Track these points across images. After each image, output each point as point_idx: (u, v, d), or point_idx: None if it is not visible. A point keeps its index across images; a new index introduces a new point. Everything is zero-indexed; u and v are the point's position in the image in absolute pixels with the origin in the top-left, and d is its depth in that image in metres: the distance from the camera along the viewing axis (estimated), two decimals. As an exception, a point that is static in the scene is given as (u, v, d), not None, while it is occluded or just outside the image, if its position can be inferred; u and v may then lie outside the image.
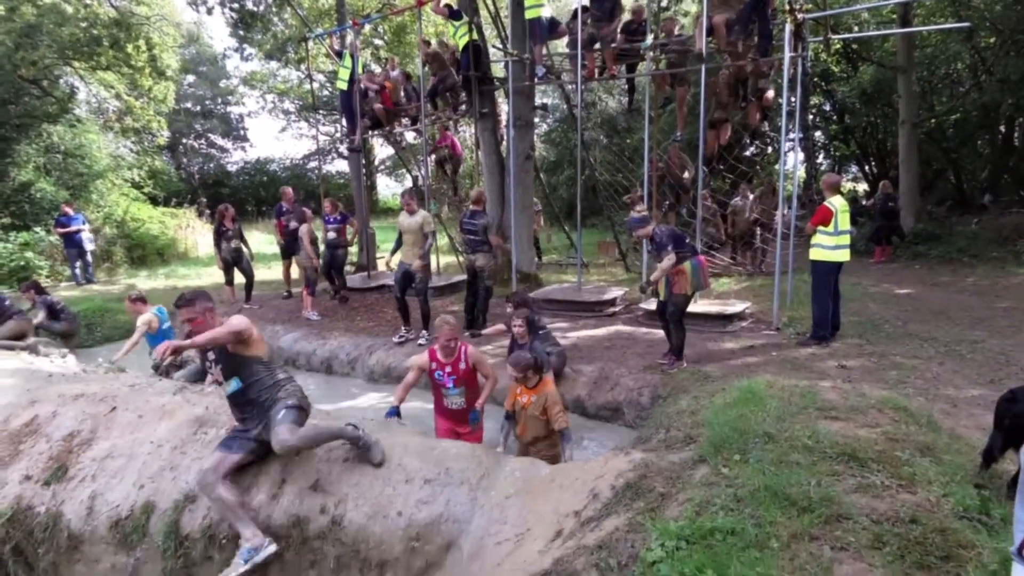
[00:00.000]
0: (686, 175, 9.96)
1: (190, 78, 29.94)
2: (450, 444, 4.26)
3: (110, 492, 4.09)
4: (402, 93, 11.61)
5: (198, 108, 31.08)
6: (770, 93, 8.66)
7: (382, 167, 31.32)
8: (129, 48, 14.11)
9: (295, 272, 10.53)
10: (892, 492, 2.83)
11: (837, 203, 6.40)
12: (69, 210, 13.04)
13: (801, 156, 9.75)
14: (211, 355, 3.89)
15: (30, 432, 4.60)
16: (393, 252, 7.92)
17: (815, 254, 6.51)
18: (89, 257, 13.21)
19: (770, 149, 13.60)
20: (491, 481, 3.82)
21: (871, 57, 16.49)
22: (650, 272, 6.28)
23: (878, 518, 2.63)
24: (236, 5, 16.50)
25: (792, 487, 2.87)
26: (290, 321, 9.16)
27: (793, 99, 8.35)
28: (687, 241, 5.97)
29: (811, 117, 10.09)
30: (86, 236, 13.11)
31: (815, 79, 15.33)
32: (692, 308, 7.63)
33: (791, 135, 8.34)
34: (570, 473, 3.75)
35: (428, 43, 10.73)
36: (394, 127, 12.00)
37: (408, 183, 17.34)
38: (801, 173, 10.75)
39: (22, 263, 12.81)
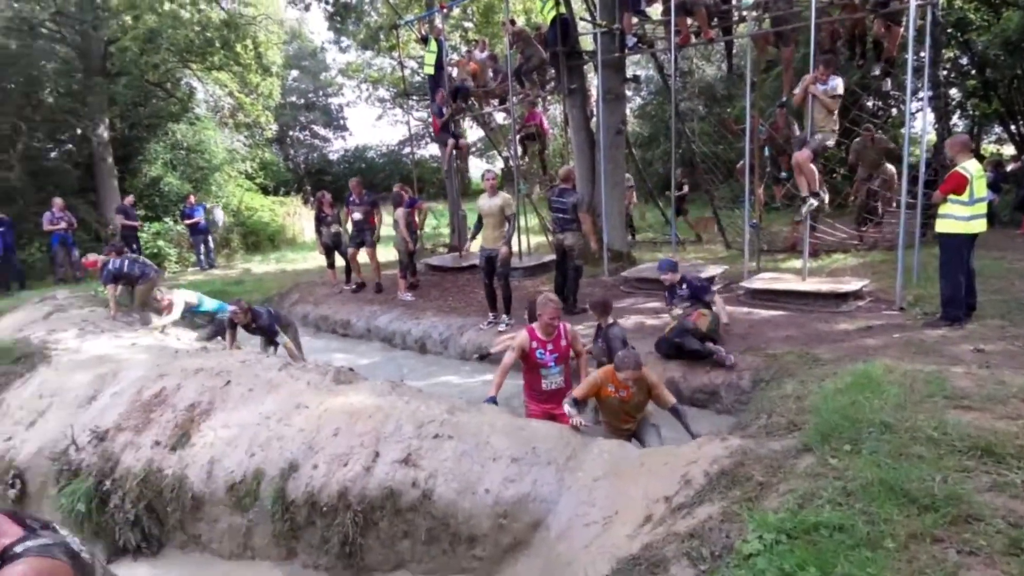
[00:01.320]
0: (792, 140, 9.31)
1: (294, 73, 31.37)
2: (538, 424, 4.23)
3: (226, 459, 4.39)
4: (489, 74, 11.59)
5: (302, 101, 32.56)
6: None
7: (473, 149, 31.60)
8: (238, 47, 14.97)
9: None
10: (1033, 492, 2.49)
11: (972, 168, 5.68)
12: (193, 200, 14.13)
13: (931, 117, 8.80)
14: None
15: (159, 402, 5.03)
16: (473, 236, 7.83)
17: (945, 226, 5.82)
18: (214, 226, 14.33)
19: (895, 111, 12.47)
20: (578, 462, 3.75)
21: (1017, 1, 14.64)
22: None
23: (1016, 521, 2.31)
24: (331, -2, 17.08)
25: (912, 482, 2.58)
26: (386, 302, 9.44)
27: (922, 53, 7.54)
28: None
29: (944, 73, 9.06)
30: (219, 214, 14.24)
31: (948, 29, 13.82)
32: (801, 287, 7.19)
33: (919, 94, 7.54)
34: (660, 457, 3.60)
35: (513, 22, 10.62)
36: (483, 107, 12.02)
37: (499, 164, 17.37)
38: (931, 136, 9.73)
39: (155, 251, 14.00)
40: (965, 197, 5.66)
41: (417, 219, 10.40)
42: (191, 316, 8.15)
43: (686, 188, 12.99)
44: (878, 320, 6.33)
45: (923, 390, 3.58)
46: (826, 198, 7.55)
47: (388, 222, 10.88)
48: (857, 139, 9.60)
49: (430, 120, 13.25)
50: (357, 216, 9.81)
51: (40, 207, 12.76)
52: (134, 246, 13.44)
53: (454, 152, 11.77)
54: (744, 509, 2.72)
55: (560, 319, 4.74)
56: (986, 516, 2.35)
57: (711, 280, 8.26)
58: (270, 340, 6.92)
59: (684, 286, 5.89)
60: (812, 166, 7.04)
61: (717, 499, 2.93)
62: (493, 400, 4.60)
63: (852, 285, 7.11)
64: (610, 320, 5.44)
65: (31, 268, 12.90)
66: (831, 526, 2.41)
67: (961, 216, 5.72)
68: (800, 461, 3.05)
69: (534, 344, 4.69)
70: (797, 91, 7.04)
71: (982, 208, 5.77)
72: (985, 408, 3.29)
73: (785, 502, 2.67)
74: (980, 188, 5.71)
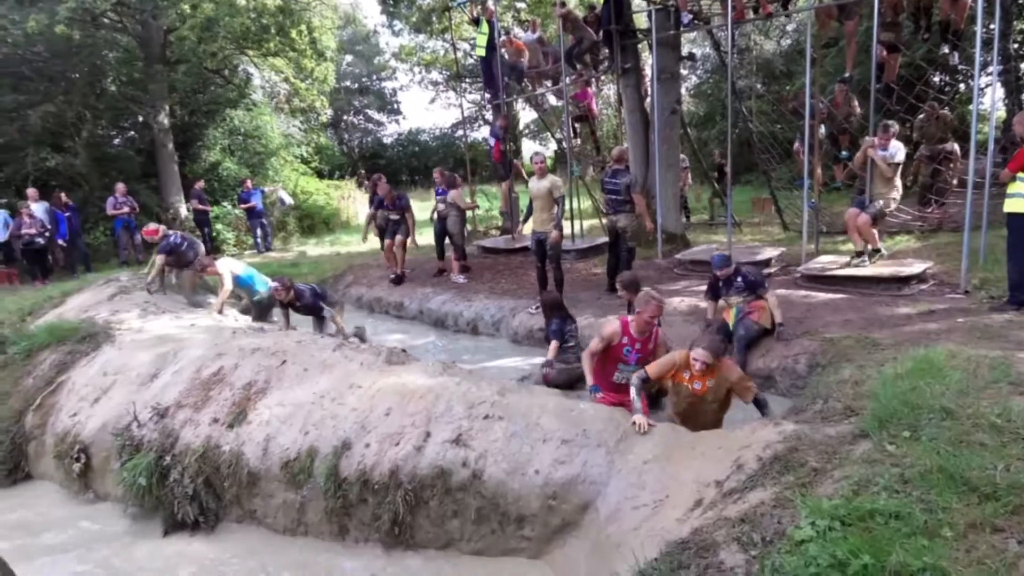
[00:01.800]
0: (852, 118, 8.96)
1: (348, 58, 31.81)
2: (587, 406, 4.24)
3: (281, 436, 4.52)
4: (540, 56, 11.49)
5: (355, 86, 33.02)
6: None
7: (526, 131, 31.48)
8: (293, 33, 15.23)
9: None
10: (1104, 483, 2.37)
11: None
12: (250, 184, 14.54)
13: (1001, 92, 8.31)
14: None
15: (217, 380, 5.21)
16: (525, 220, 7.81)
17: (1013, 205, 5.56)
18: (284, 204, 14.76)
19: (962, 86, 11.84)
20: (629, 445, 3.75)
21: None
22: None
23: (1082, 511, 2.22)
24: (384, -20, 17.21)
25: (973, 470, 2.50)
26: (439, 284, 9.56)
27: (991, 25, 7.12)
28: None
29: (1015, 46, 8.52)
30: (285, 195, 14.68)
31: (1019, 0, 12.99)
32: (861, 271, 6.95)
33: (989, 68, 7.14)
34: (713, 441, 3.57)
35: (563, 3, 10.48)
36: (535, 89, 11.95)
37: (552, 147, 17.29)
38: (1001, 112, 9.20)
39: (214, 234, 14.50)
40: None
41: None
42: (238, 289, 8.18)
43: (726, 168, 12.64)
44: (941, 304, 6.07)
45: (987, 376, 3.44)
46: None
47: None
48: (921, 115, 9.16)
49: (483, 103, 13.27)
50: (442, 207, 9.81)
51: (104, 192, 13.35)
52: (206, 230, 14.00)
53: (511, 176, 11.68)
54: (797, 495, 2.68)
55: (661, 320, 4.60)
56: (1051, 507, 2.26)
57: (767, 263, 8.08)
58: (318, 318, 7.03)
59: (739, 279, 5.78)
60: (872, 229, 7.02)
61: (769, 484, 2.89)
62: (597, 388, 4.58)
63: (914, 268, 6.83)
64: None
65: (96, 251, 13.55)
66: (887, 514, 2.35)
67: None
68: (856, 447, 2.98)
69: (624, 340, 4.53)
70: (858, 155, 7.07)
71: None
72: (1053, 396, 3.14)
73: (840, 488, 2.62)
74: None
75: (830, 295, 6.77)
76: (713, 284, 5.99)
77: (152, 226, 8.64)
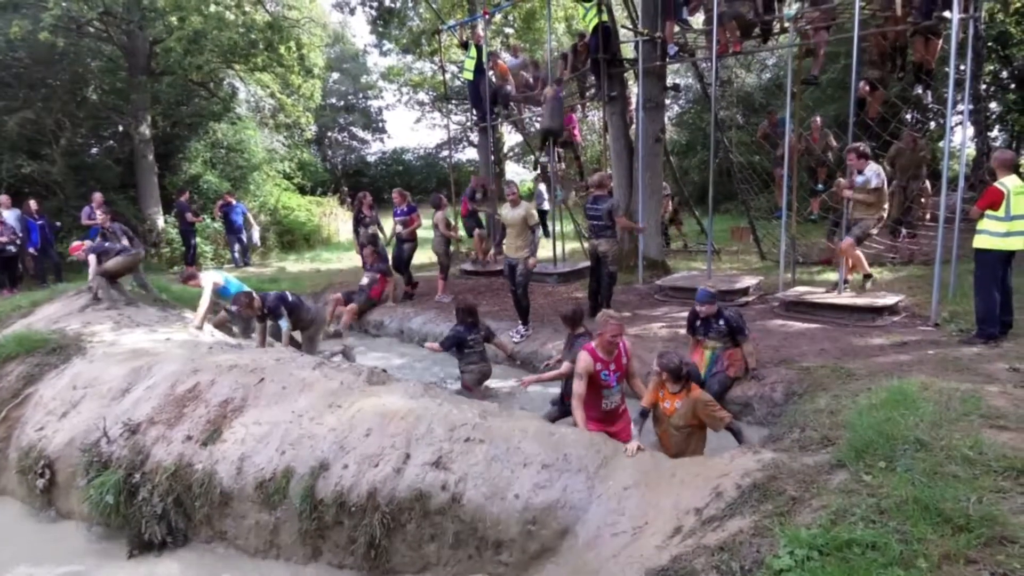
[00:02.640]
0: (829, 152, 9.19)
1: (335, 75, 31.87)
2: (568, 431, 4.24)
3: (257, 455, 4.46)
4: (529, 79, 11.65)
5: (341, 103, 33.07)
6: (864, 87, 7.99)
7: (511, 154, 31.74)
8: (281, 49, 15.24)
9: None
10: (1074, 516, 2.44)
11: (1010, 184, 5.59)
12: (232, 200, 14.38)
13: (971, 131, 8.60)
14: None
15: (192, 397, 5.12)
16: (498, 244, 7.84)
17: (980, 241, 5.74)
18: (250, 241, 14.51)
19: (933, 124, 12.21)
20: (609, 470, 3.75)
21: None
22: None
23: (1053, 545, 2.27)
24: (375, 3, 17.34)
25: (947, 502, 2.55)
26: (420, 303, 9.53)
27: (963, 67, 7.40)
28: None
29: (984, 86, 8.86)
30: (256, 233, 14.49)
31: (989, 43, 13.50)
32: (836, 300, 7.09)
33: (959, 107, 7.40)
34: (692, 468, 3.59)
35: (582, 35, 10.71)
36: (521, 113, 12.09)
37: (534, 173, 17.45)
38: (971, 150, 9.50)
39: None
40: (1001, 213, 5.60)
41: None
42: (219, 300, 8.10)
43: (671, 198, 12.81)
44: (913, 336, 6.22)
45: (959, 408, 3.53)
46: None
47: (427, 224, 11.02)
48: (897, 143, 9.36)
49: (469, 125, 13.38)
50: (399, 228, 9.82)
51: (80, 201, 13.08)
52: (192, 241, 13.82)
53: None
54: (776, 524, 2.70)
55: (622, 336, 4.66)
56: (1021, 539, 2.32)
57: (746, 291, 8.20)
58: (274, 324, 6.80)
59: (721, 321, 5.55)
60: (858, 252, 7.11)
61: (748, 513, 2.92)
62: (645, 411, 4.52)
63: (887, 300, 6.99)
64: (580, 330, 5.54)
65: (68, 261, 13.30)
66: (864, 544, 2.39)
67: (997, 232, 5.65)
68: (834, 477, 3.02)
69: (598, 366, 4.56)
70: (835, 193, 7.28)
71: (1020, 225, 5.62)
72: (1021, 428, 3.24)
73: (818, 518, 2.65)
74: (1018, 205, 5.58)
75: (806, 324, 6.90)
76: (691, 320, 5.72)
77: (76, 243, 8.51)
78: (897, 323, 6.74)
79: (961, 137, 8.20)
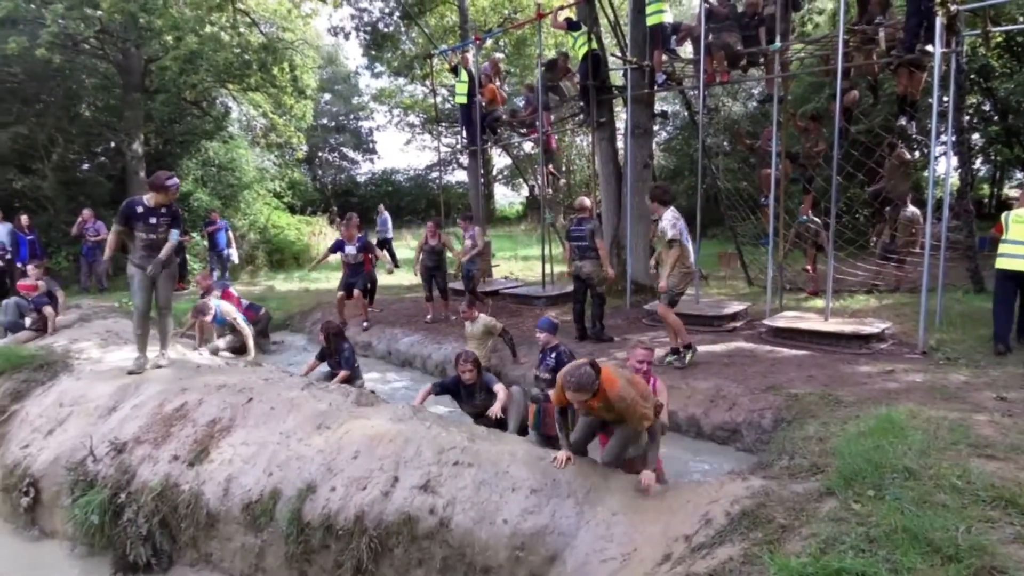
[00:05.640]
0: (819, 150, 9.30)
1: (326, 96, 32.12)
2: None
3: (243, 476, 4.41)
4: (516, 101, 11.79)
5: (332, 124, 33.30)
6: (853, 94, 8.28)
7: (500, 176, 31.98)
8: (275, 70, 15.40)
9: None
10: (1061, 546, 2.46)
11: (1014, 210, 6.36)
12: (216, 217, 14.33)
13: (955, 161, 8.77)
14: None
15: (180, 417, 5.08)
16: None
17: (1000, 263, 6.38)
18: (228, 259, 14.38)
19: (917, 154, 12.45)
20: (598, 496, 3.74)
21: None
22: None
23: (1042, 575, 2.29)
24: (369, 28, 17.57)
25: (936, 531, 2.56)
26: (408, 324, 9.51)
27: (946, 99, 7.57)
28: None
29: (967, 118, 9.07)
30: (233, 251, 14.33)
31: (971, 76, 13.84)
32: (824, 327, 7.15)
33: (943, 137, 7.57)
34: (682, 495, 3.59)
35: (565, 55, 10.77)
36: (510, 136, 12.19)
37: (524, 192, 17.59)
38: (954, 180, 9.69)
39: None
40: (1006, 235, 6.30)
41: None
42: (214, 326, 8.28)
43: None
44: (901, 364, 6.26)
45: (947, 437, 3.56)
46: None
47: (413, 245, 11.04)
48: (889, 163, 9.40)
49: (459, 148, 13.46)
50: (350, 250, 9.37)
51: (71, 217, 13.07)
52: (181, 256, 13.72)
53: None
54: (765, 552, 2.70)
55: (651, 365, 4.48)
56: (1010, 569, 2.33)
57: (735, 316, 8.25)
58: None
59: (554, 355, 5.33)
60: (673, 317, 6.59)
61: (738, 540, 2.92)
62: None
63: (874, 327, 7.06)
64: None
65: (57, 276, 13.16)
66: (854, 573, 2.39)
67: (1001, 253, 6.34)
68: (823, 505, 3.03)
69: None
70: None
71: (1017, 249, 6.19)
72: (1009, 458, 3.27)
73: (807, 546, 2.66)
74: (1016, 231, 6.17)
75: (793, 351, 6.94)
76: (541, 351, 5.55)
77: (29, 281, 8.16)
78: (884, 351, 6.79)
79: (945, 167, 8.37)
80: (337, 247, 9.65)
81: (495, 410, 5.12)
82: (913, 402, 4.70)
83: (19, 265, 11.56)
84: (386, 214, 17.41)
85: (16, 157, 13.79)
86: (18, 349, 6.86)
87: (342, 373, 6.61)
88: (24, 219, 11.89)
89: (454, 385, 5.49)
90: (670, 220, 6.42)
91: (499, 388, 5.27)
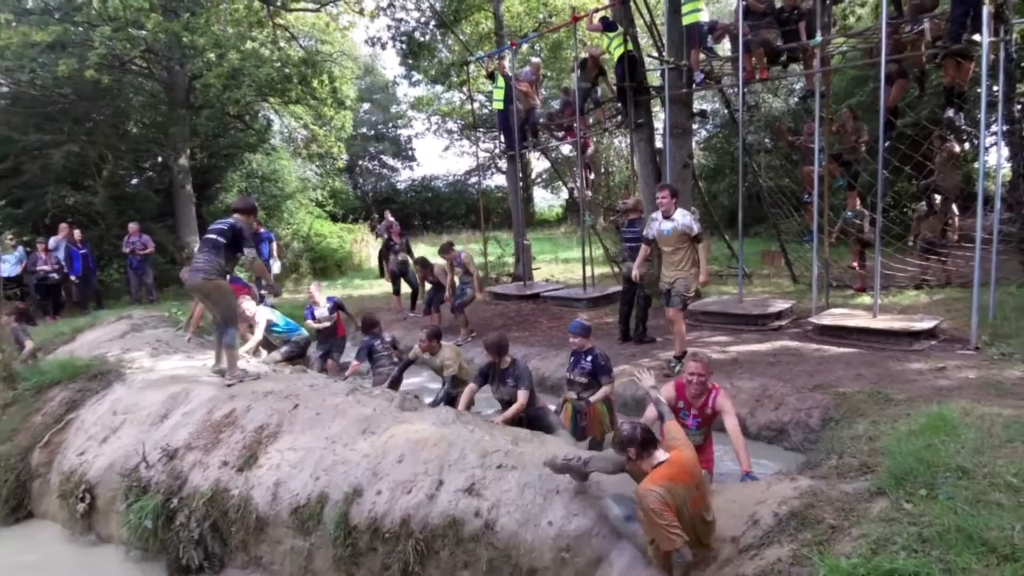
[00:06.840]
0: (862, 142, 9.07)
1: (365, 106, 32.63)
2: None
3: (291, 481, 4.52)
4: (545, 96, 11.81)
5: (372, 132, 33.80)
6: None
7: (539, 180, 31.99)
8: (315, 83, 15.76)
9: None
10: None
11: None
12: (260, 228, 14.69)
13: (1006, 152, 8.46)
14: None
15: (228, 423, 5.21)
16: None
17: None
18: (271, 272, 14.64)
19: (967, 145, 12.03)
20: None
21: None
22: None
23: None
24: (406, 38, 17.84)
25: (991, 531, 2.49)
26: (450, 329, 9.60)
27: (995, 88, 7.32)
28: None
29: (1018, 107, 8.71)
30: (276, 262, 14.59)
31: (1022, 65, 13.33)
32: (872, 324, 6.97)
33: (993, 128, 7.32)
34: (727, 496, 3.55)
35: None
36: (549, 139, 12.22)
37: (563, 194, 17.56)
38: (1006, 171, 9.34)
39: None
40: None
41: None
42: (270, 335, 8.19)
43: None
44: (953, 360, 6.07)
45: (1001, 434, 3.44)
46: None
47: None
48: (939, 156, 9.10)
49: (497, 153, 13.50)
50: (322, 314, 8.28)
51: (121, 231, 13.58)
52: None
53: None
54: (815, 553, 2.67)
55: (708, 378, 4.30)
56: (1070, 570, 2.25)
57: (779, 315, 8.10)
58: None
59: (589, 358, 5.26)
60: (680, 325, 6.54)
61: (786, 541, 2.88)
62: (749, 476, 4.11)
63: (925, 323, 6.85)
64: (508, 359, 5.35)
65: (109, 288, 13.73)
66: (906, 573, 2.35)
67: None
68: (873, 505, 2.97)
69: (680, 404, 4.34)
70: None
71: None
72: (1067, 456, 3.14)
73: (858, 547, 2.61)
74: None
75: (841, 349, 6.78)
76: (573, 355, 5.44)
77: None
78: (935, 347, 6.59)
79: (996, 158, 8.08)
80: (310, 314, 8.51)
81: (504, 418, 5.05)
82: (966, 399, 4.55)
83: (72, 279, 12.06)
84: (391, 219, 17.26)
85: (69, 174, 14.41)
86: (74, 359, 7.13)
87: (355, 364, 7.17)
88: (77, 234, 12.39)
89: (488, 369, 5.49)
90: (693, 216, 6.47)
91: (521, 395, 5.11)
